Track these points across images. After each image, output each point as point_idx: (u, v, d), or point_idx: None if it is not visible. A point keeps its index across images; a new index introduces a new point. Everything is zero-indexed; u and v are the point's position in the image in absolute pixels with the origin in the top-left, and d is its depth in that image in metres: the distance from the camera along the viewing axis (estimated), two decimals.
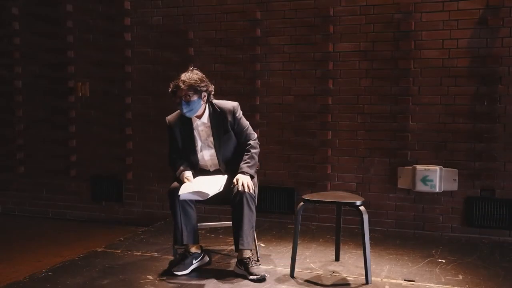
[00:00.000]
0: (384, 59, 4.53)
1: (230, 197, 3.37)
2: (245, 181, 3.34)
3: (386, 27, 4.50)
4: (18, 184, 5.83)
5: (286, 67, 4.81)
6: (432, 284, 3.25)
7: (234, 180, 3.37)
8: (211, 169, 3.59)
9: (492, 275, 3.42)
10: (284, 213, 4.87)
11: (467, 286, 3.23)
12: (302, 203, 3.36)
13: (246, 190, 3.32)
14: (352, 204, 3.30)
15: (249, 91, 4.90)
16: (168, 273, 3.41)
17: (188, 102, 3.39)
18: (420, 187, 4.37)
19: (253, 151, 3.52)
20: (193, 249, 3.50)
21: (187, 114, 3.44)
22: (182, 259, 3.47)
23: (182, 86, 3.37)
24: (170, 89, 3.46)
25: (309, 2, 4.70)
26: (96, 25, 5.40)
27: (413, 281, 3.31)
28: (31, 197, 5.78)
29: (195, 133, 3.55)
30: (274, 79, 4.86)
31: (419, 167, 4.37)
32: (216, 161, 3.55)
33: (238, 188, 3.32)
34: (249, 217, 3.33)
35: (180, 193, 3.28)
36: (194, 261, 3.48)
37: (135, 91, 5.33)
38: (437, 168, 4.34)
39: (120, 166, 5.40)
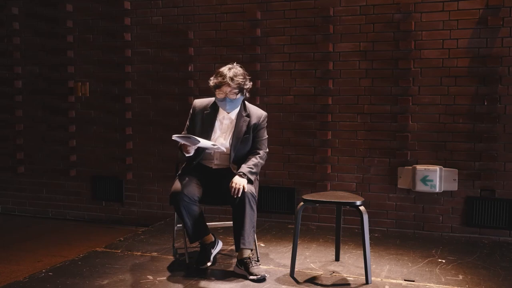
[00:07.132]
0: (384, 59, 4.53)
1: (231, 197, 3.36)
2: (239, 185, 3.29)
3: (386, 27, 4.50)
4: (18, 184, 5.83)
5: (286, 67, 4.81)
6: (432, 284, 3.25)
7: (231, 183, 3.33)
8: (215, 162, 3.56)
9: (492, 275, 3.42)
10: (284, 213, 4.86)
11: (467, 286, 3.23)
12: (302, 203, 3.37)
13: (238, 194, 3.28)
14: (352, 204, 3.30)
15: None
16: (167, 274, 3.42)
17: (232, 100, 3.45)
18: (420, 187, 4.37)
19: (260, 160, 3.55)
20: (207, 240, 3.57)
21: (228, 111, 3.52)
22: (201, 253, 3.55)
23: (231, 83, 3.40)
24: (213, 82, 3.45)
25: (309, 2, 4.70)
26: (96, 25, 5.40)
27: (413, 281, 3.31)
28: (31, 197, 5.78)
29: (217, 123, 3.56)
30: (274, 79, 4.86)
31: (419, 167, 4.37)
32: (226, 157, 3.54)
33: (231, 192, 3.29)
34: (251, 217, 3.34)
35: (174, 136, 3.26)
36: (212, 250, 3.58)
37: (135, 91, 5.33)
38: (437, 168, 4.34)
39: (120, 166, 5.40)
